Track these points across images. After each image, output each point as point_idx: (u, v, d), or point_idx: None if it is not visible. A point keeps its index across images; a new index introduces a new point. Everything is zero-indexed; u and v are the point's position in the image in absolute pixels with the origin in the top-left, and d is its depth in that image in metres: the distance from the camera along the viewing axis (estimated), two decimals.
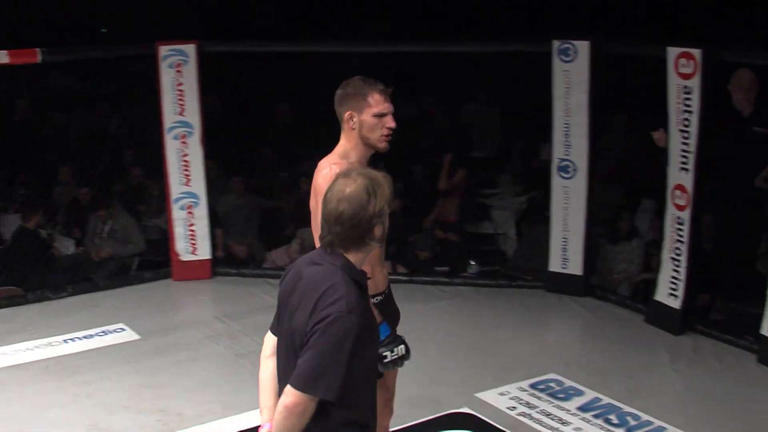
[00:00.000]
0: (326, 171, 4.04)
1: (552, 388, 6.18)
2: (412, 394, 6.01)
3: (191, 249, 8.31)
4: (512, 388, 6.16)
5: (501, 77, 10.35)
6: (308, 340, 3.06)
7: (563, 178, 7.73)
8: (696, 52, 6.70)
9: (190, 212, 8.24)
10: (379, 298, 4.25)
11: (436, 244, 8.77)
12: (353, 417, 3.17)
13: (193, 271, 8.33)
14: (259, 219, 9.64)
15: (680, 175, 6.86)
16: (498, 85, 10.79)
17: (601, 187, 8.62)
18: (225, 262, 8.75)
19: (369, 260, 3.88)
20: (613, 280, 8.14)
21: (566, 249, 7.80)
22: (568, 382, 6.25)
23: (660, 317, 7.10)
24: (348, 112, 4.11)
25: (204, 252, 8.35)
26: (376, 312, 3.73)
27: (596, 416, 5.80)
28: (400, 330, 7.00)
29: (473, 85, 11.11)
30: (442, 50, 8.73)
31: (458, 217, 9.34)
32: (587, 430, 5.63)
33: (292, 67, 8.95)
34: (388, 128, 4.11)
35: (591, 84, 7.47)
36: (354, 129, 4.12)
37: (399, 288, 8.02)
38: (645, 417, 5.77)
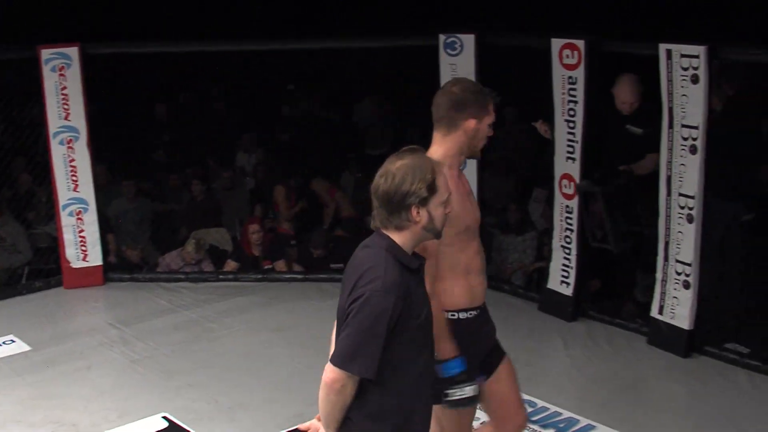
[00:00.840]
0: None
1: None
2: (309, 392, 5.97)
3: (82, 255, 8.15)
4: None
5: (392, 72, 10.43)
6: (346, 318, 3.11)
7: None
8: (580, 43, 6.83)
9: (79, 218, 8.08)
10: (473, 312, 3.98)
11: (330, 241, 8.76)
12: (396, 402, 3.19)
13: (85, 278, 8.17)
14: (151, 222, 9.53)
15: (567, 165, 6.98)
16: (390, 80, 10.85)
17: (492, 178, 8.73)
18: (118, 267, 8.61)
19: (456, 268, 3.87)
20: (506, 270, 8.25)
21: None
22: None
23: (553, 305, 7.22)
24: (471, 119, 3.87)
25: (95, 258, 8.20)
26: (448, 340, 3.73)
27: None
28: (297, 330, 7.04)
29: (365, 81, 11.15)
30: (326, 47, 8.70)
31: (352, 214, 9.36)
32: (484, 418, 5.68)
33: (177, 68, 8.88)
34: (488, 137, 3.98)
35: (478, 76, 7.53)
36: (466, 135, 3.89)
37: (294, 287, 8.17)
38: (541, 403, 5.86)
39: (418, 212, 3.16)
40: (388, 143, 11.39)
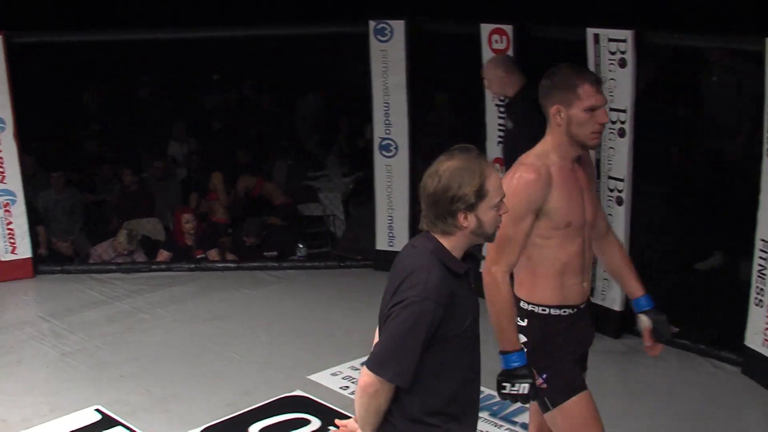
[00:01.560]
0: (513, 175, 3.69)
1: None
2: (243, 381, 6.00)
3: (11, 248, 8.01)
4: (345, 368, 6.20)
5: (324, 59, 10.41)
6: (386, 321, 3.04)
7: (385, 156, 7.80)
8: (508, 29, 6.88)
9: (7, 210, 7.94)
10: (567, 311, 3.82)
11: (262, 230, 8.73)
12: (439, 407, 3.09)
13: (15, 271, 8.04)
14: (82, 213, 9.42)
15: (499, 149, 7.02)
16: (322, 67, 10.83)
17: (425, 164, 8.73)
18: (49, 259, 8.49)
19: (550, 264, 3.74)
20: None
21: (392, 227, 7.87)
22: None
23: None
24: (555, 107, 3.68)
25: (24, 251, 8.07)
26: (513, 331, 3.61)
27: None
28: (230, 320, 7.02)
29: (298, 69, 11.11)
30: (253, 34, 8.62)
31: (284, 201, 9.35)
32: None
33: (104, 56, 8.77)
34: (600, 124, 3.69)
35: (408, 63, 7.55)
36: (561, 125, 3.69)
37: (227, 276, 8.13)
38: (487, 391, 5.81)
39: (465, 218, 3.01)
40: (320, 131, 11.42)
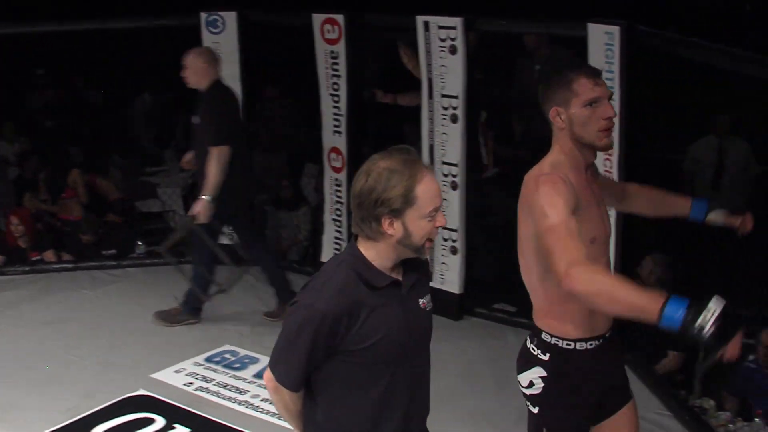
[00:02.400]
0: (536, 188, 3.24)
1: (227, 359, 6.22)
2: (84, 384, 5.87)
3: None
4: (188, 365, 6.13)
5: (159, 52, 10.22)
6: None
7: None
8: (339, 18, 6.91)
9: None
10: (593, 343, 3.42)
11: (99, 227, 8.53)
12: (347, 423, 2.92)
13: None
14: None
15: (335, 138, 7.07)
16: (157, 60, 10.64)
17: (264, 155, 8.73)
18: None
19: (567, 300, 3.26)
20: (281, 245, 8.27)
21: None
22: (243, 351, 6.31)
23: None
24: (553, 109, 3.31)
25: None
26: (641, 292, 2.91)
27: None
28: (69, 322, 6.82)
29: (132, 64, 10.89)
30: (81, 29, 8.39)
31: (118, 196, 9.16)
32: (264, 396, 5.71)
33: None
34: (605, 119, 3.28)
35: (241, 54, 7.50)
36: (564, 129, 3.31)
37: (65, 276, 7.92)
38: None
39: (390, 224, 2.76)
40: (157, 126, 11.22)
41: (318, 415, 2.95)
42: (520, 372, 3.52)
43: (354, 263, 2.83)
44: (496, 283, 6.93)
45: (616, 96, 5.71)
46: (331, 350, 2.81)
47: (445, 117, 6.44)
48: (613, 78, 5.72)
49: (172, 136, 10.97)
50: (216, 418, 5.47)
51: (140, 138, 11.13)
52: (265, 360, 6.15)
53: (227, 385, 5.86)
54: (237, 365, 6.13)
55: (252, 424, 5.43)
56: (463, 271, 6.60)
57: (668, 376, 5.96)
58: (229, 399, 5.70)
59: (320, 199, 7.68)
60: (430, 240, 2.83)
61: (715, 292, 2.86)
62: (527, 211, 3.27)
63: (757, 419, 5.10)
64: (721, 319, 2.79)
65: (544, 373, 3.42)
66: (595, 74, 3.31)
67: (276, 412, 5.43)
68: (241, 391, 5.78)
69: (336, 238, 7.23)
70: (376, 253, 2.83)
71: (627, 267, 5.98)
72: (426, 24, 6.45)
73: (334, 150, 7.09)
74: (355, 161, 7.07)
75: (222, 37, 7.51)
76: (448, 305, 6.65)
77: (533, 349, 3.46)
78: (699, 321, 2.78)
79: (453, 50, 6.35)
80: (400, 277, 2.89)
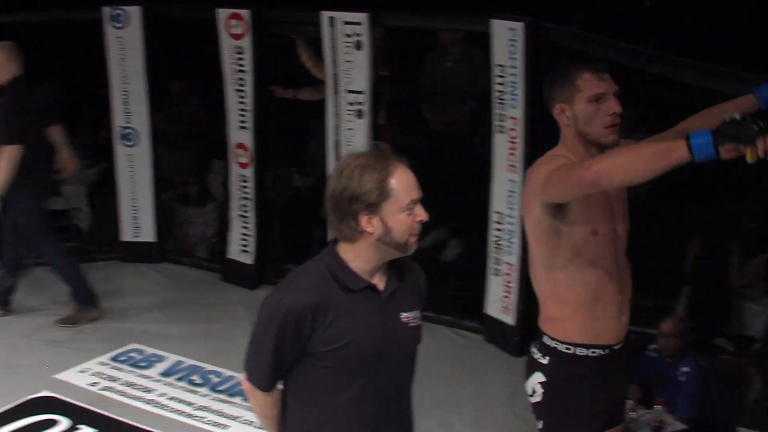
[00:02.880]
0: (540, 167, 3.19)
1: (133, 358, 6.14)
2: None
3: None
4: (93, 365, 6.04)
5: (63, 47, 10.02)
6: None
7: (126, 146, 7.62)
8: (245, 13, 6.87)
9: None
10: (599, 351, 3.29)
11: None
12: (320, 429, 2.81)
13: None
14: None
15: (240, 134, 7.03)
16: (59, 55, 10.44)
17: (170, 152, 8.63)
18: None
19: (576, 290, 3.25)
20: (189, 243, 8.20)
21: (137, 217, 7.72)
22: (150, 350, 6.24)
23: (236, 274, 7.27)
24: (558, 106, 3.22)
25: None
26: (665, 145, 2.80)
27: (179, 379, 5.85)
28: None
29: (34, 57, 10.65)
30: None
31: None
32: (171, 394, 5.66)
33: None
34: (610, 114, 3.16)
35: (146, 49, 7.40)
36: (569, 126, 3.21)
37: None
38: (227, 373, 5.90)
39: (369, 221, 2.66)
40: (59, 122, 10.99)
41: (289, 421, 2.86)
42: (525, 380, 3.43)
43: (330, 263, 2.73)
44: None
45: (519, 92, 5.79)
46: (299, 349, 2.70)
47: (350, 112, 6.45)
48: (516, 73, 5.80)
49: (76, 131, 10.78)
50: (123, 417, 5.40)
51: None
52: (172, 358, 6.10)
53: (133, 384, 5.79)
54: (143, 364, 6.06)
55: (160, 423, 5.37)
56: None
57: None
58: (136, 398, 5.63)
59: (227, 196, 7.62)
60: (414, 235, 2.73)
61: None
62: (532, 195, 3.22)
63: (657, 406, 5.21)
64: (751, 115, 2.75)
65: (544, 378, 3.33)
66: (599, 69, 3.21)
67: (184, 411, 5.46)
68: (147, 390, 5.72)
69: (243, 234, 7.19)
70: (354, 255, 2.73)
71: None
72: (331, 19, 6.44)
73: (240, 146, 7.05)
74: (261, 157, 7.05)
75: (126, 32, 7.39)
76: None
77: (535, 353, 3.38)
78: (728, 124, 2.71)
79: (359, 46, 6.36)
80: (380, 284, 2.76)
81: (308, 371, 2.75)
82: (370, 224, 2.67)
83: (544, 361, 3.33)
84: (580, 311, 3.25)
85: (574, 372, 3.28)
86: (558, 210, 3.17)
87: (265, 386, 2.81)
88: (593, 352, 3.27)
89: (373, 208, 2.65)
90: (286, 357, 2.72)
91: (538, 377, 3.35)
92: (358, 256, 2.72)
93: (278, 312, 2.68)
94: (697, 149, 2.70)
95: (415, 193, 2.70)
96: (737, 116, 2.71)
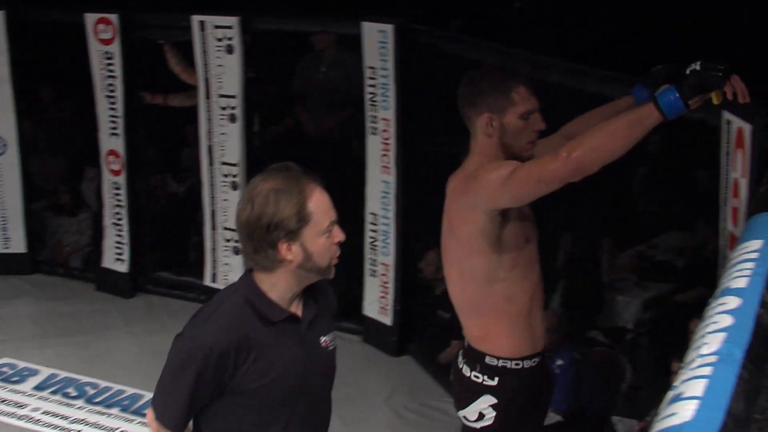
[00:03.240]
0: (466, 182, 3.14)
1: (5, 372, 5.98)
2: None
3: None
4: None
5: None
6: None
7: None
8: (113, 18, 6.76)
9: None
10: (536, 360, 3.29)
11: None
12: None
13: None
14: None
15: (112, 141, 6.92)
16: None
17: (41, 160, 8.43)
18: None
19: (516, 301, 3.20)
20: (62, 253, 8.03)
21: (6, 228, 7.51)
22: (22, 364, 6.09)
23: (110, 283, 7.14)
24: (485, 115, 3.13)
25: None
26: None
27: (54, 392, 5.73)
28: None
29: None
30: None
31: None
32: (46, 408, 5.54)
33: None
34: (536, 131, 3.15)
35: (11, 55, 7.21)
36: (492, 136, 3.15)
37: None
38: (104, 384, 5.80)
39: (289, 248, 2.53)
40: None
41: None
42: (463, 406, 3.33)
43: (248, 294, 2.58)
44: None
45: (391, 93, 5.84)
46: (219, 389, 2.55)
47: (223, 117, 6.41)
48: (387, 75, 5.84)
49: None
50: None
51: None
52: (46, 371, 5.97)
53: (5, 400, 5.65)
54: (15, 378, 5.91)
55: None
56: None
57: (451, 364, 6.13)
58: (8, 414, 5.50)
59: (100, 204, 7.49)
60: (334, 258, 2.62)
61: None
62: (473, 207, 3.12)
63: None
64: (708, 60, 2.80)
65: (495, 401, 3.26)
66: (529, 83, 3.22)
67: (59, 425, 5.34)
68: (20, 405, 5.58)
69: (117, 243, 7.07)
70: (272, 284, 2.58)
71: (408, 263, 6.12)
72: (202, 23, 6.39)
73: (112, 153, 6.93)
74: (134, 164, 6.95)
75: None
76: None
77: (476, 376, 3.29)
78: (690, 76, 2.78)
79: (230, 50, 6.33)
80: (299, 311, 2.65)
81: (227, 409, 2.60)
82: (290, 252, 2.53)
83: (493, 382, 3.27)
84: (520, 323, 3.25)
85: (525, 385, 3.27)
86: (502, 218, 3.14)
87: (177, 428, 2.62)
88: (535, 362, 3.28)
89: (292, 234, 2.51)
90: (203, 398, 2.57)
91: (488, 400, 3.27)
92: (277, 285, 2.58)
93: (197, 352, 2.50)
94: (668, 108, 2.78)
95: (333, 214, 2.60)
96: (697, 66, 2.79)
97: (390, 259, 6.07)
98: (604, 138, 2.87)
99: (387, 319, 6.15)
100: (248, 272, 2.64)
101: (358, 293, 6.37)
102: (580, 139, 2.92)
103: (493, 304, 3.23)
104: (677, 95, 2.77)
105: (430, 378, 5.89)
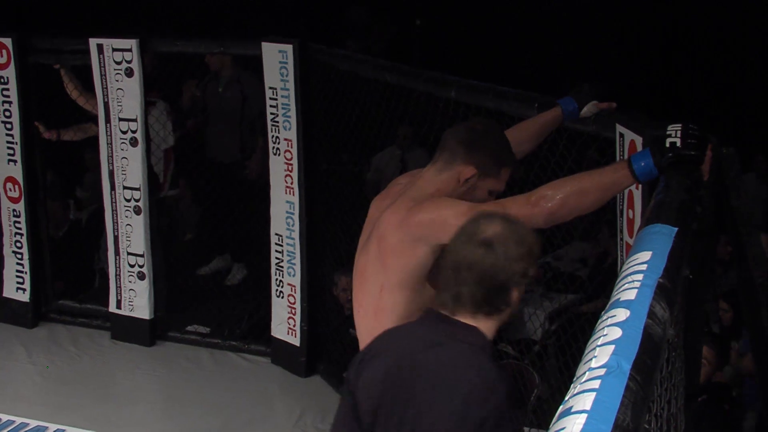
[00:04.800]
0: (432, 203, 3.03)
1: None
2: None
3: None
4: None
5: None
6: None
7: None
8: (7, 41, 6.62)
9: None
10: None
11: None
12: None
13: None
14: None
15: (10, 168, 6.77)
16: None
17: None
18: None
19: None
20: None
21: None
22: None
23: (11, 313, 6.96)
24: (471, 167, 3.08)
25: None
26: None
27: None
28: None
29: None
30: None
31: None
32: None
33: None
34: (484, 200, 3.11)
35: None
36: (460, 186, 3.10)
37: None
38: (5, 417, 5.65)
39: (517, 294, 2.50)
40: None
41: None
42: None
43: (488, 349, 2.48)
44: (187, 305, 6.91)
45: (292, 113, 5.84)
46: None
47: (124, 141, 6.32)
48: (288, 95, 5.84)
49: None
50: None
51: None
52: None
53: None
54: None
55: None
56: (152, 295, 6.50)
57: None
58: None
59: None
60: None
61: None
62: (410, 240, 3.03)
63: None
64: (688, 131, 2.80)
65: None
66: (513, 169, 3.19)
67: None
68: None
69: (18, 271, 6.91)
70: (489, 329, 2.51)
71: (314, 283, 6.11)
72: (100, 46, 6.31)
73: (10, 179, 6.79)
74: (33, 190, 6.81)
75: None
76: (139, 332, 6.55)
77: None
78: (669, 146, 2.77)
79: (129, 72, 6.25)
80: None
81: None
82: (516, 297, 2.51)
83: None
84: None
85: None
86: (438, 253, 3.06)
87: None
88: None
89: (525, 277, 2.50)
90: None
91: None
92: (490, 331, 2.51)
93: (502, 402, 2.38)
94: (643, 176, 2.82)
95: None
96: (677, 139, 2.77)
97: (296, 280, 6.05)
98: (577, 196, 2.88)
99: (295, 340, 6.12)
100: (457, 321, 2.51)
101: (266, 314, 6.35)
102: (553, 191, 2.90)
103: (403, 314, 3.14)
104: (652, 165, 2.80)
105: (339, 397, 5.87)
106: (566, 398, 1.59)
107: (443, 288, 2.54)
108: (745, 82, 9.56)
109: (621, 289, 1.99)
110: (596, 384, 1.58)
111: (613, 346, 1.70)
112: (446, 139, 3.19)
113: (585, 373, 1.65)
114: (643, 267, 2.08)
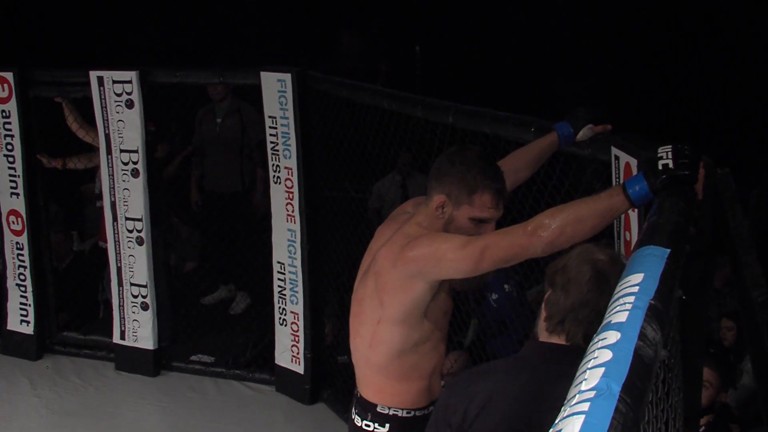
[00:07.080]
0: (422, 239, 3.03)
1: None
2: None
3: None
4: None
5: None
6: None
7: None
8: (8, 75, 6.66)
9: None
10: (422, 412, 3.29)
11: None
12: None
13: None
14: None
15: (12, 201, 6.80)
16: None
17: None
18: None
19: (422, 368, 3.21)
20: None
21: None
22: None
23: (15, 346, 6.97)
24: (441, 197, 3.08)
25: None
26: None
27: None
28: None
29: None
30: None
31: None
32: None
33: None
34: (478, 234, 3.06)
35: None
36: (438, 218, 3.10)
37: None
38: None
39: None
40: None
41: None
42: None
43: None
44: (191, 334, 6.92)
45: (292, 142, 5.86)
46: None
47: (125, 172, 6.35)
48: (287, 124, 5.87)
49: None
50: None
51: None
52: None
53: None
54: None
55: None
56: (156, 326, 6.51)
57: None
58: None
59: (3, 265, 7.35)
60: None
61: None
62: (406, 276, 3.05)
63: None
64: (679, 151, 2.78)
65: None
66: (501, 194, 3.11)
67: None
68: None
69: (21, 303, 6.93)
70: None
71: (317, 310, 6.12)
72: (100, 79, 6.34)
73: (13, 212, 6.82)
74: (35, 223, 6.83)
75: None
76: (143, 362, 6.55)
77: (368, 425, 3.32)
78: (662, 169, 2.74)
79: (129, 104, 6.29)
80: None
81: None
82: None
83: (384, 429, 3.30)
84: (426, 380, 3.29)
85: (418, 430, 3.23)
86: (437, 289, 3.12)
87: None
88: (429, 410, 3.25)
89: None
90: None
91: None
92: None
93: None
94: (638, 200, 2.81)
95: None
96: (669, 161, 2.76)
97: (299, 308, 6.06)
98: (574, 224, 2.85)
99: (299, 368, 6.12)
100: (560, 346, 2.62)
101: (270, 343, 6.35)
102: (550, 219, 2.87)
103: (398, 371, 3.25)
104: (647, 189, 2.79)
105: (345, 425, 5.86)
106: (556, 421, 1.60)
107: (557, 319, 2.67)
108: (747, 99, 9.60)
109: (613, 311, 1.99)
110: (585, 407, 1.58)
111: (603, 369, 1.70)
112: (429, 174, 3.19)
113: (575, 396, 1.65)
114: (635, 289, 2.08)
